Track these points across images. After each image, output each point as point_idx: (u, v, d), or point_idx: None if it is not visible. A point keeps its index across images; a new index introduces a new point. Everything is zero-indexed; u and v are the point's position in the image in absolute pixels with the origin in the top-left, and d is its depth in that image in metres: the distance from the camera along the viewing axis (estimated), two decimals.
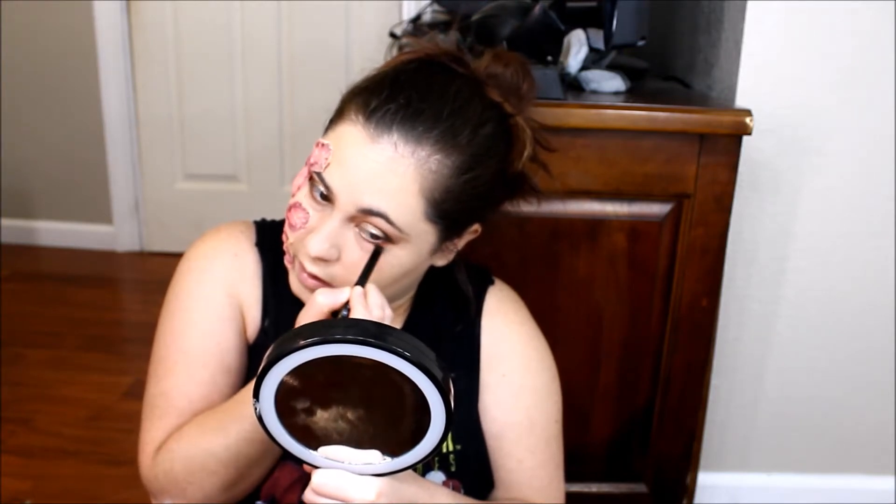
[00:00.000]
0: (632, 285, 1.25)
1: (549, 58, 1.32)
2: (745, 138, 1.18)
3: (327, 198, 0.76)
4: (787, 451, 1.57)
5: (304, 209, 0.78)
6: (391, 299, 0.81)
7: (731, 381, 1.52)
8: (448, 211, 0.77)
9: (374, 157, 0.73)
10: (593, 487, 1.37)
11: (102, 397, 2.02)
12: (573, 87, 1.35)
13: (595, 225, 1.22)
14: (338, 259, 0.77)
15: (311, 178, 0.77)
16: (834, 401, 1.53)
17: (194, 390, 0.84)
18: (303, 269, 0.78)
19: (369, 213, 0.74)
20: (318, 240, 0.75)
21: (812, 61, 1.34)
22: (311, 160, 0.77)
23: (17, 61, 2.91)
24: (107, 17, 2.83)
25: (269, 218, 0.95)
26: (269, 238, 0.91)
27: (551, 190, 1.19)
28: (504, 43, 1.27)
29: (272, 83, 2.88)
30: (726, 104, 1.36)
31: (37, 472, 1.71)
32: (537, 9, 1.27)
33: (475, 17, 1.29)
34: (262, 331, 0.87)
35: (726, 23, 1.42)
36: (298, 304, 0.82)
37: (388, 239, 0.76)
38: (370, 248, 0.76)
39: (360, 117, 0.74)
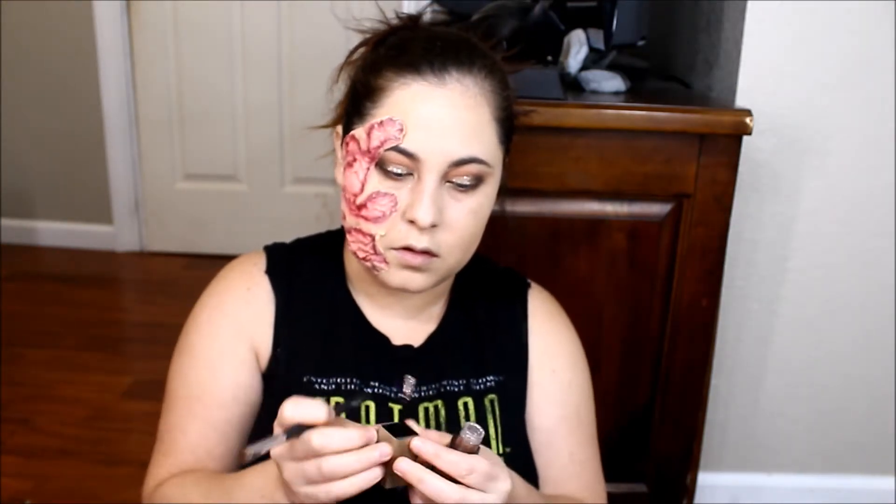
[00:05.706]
0: (632, 285, 1.25)
1: (549, 58, 1.32)
2: (745, 138, 1.18)
3: (404, 171, 0.74)
4: (787, 451, 1.57)
5: (385, 194, 0.74)
6: (465, 259, 0.80)
7: (731, 381, 1.52)
8: (507, 130, 0.79)
9: (448, 98, 0.73)
10: None
11: (102, 397, 2.02)
12: (573, 87, 1.35)
13: (595, 225, 1.22)
14: (440, 223, 0.75)
15: (378, 163, 0.74)
16: (834, 401, 1.53)
17: (191, 424, 0.84)
18: (409, 251, 0.75)
19: (461, 163, 0.73)
20: (425, 207, 0.73)
21: (812, 61, 1.34)
22: (376, 143, 0.73)
23: (17, 61, 2.91)
24: (107, 17, 2.82)
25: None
26: (282, 262, 0.88)
27: (551, 190, 1.20)
28: (504, 43, 1.27)
29: (272, 83, 2.88)
30: (726, 104, 1.36)
31: (37, 472, 1.70)
32: (537, 9, 1.27)
33: (475, 17, 1.29)
34: (274, 359, 0.85)
35: (726, 23, 1.42)
36: (312, 331, 0.84)
37: (479, 180, 0.75)
38: (466, 198, 0.75)
39: (410, 74, 0.74)
